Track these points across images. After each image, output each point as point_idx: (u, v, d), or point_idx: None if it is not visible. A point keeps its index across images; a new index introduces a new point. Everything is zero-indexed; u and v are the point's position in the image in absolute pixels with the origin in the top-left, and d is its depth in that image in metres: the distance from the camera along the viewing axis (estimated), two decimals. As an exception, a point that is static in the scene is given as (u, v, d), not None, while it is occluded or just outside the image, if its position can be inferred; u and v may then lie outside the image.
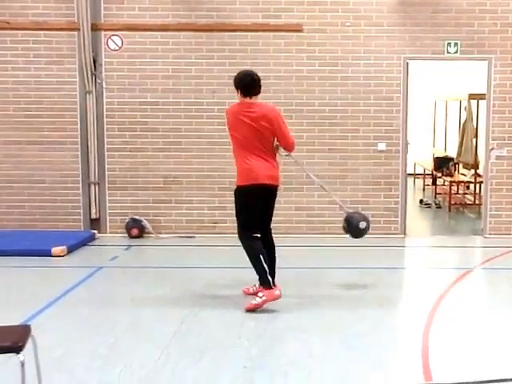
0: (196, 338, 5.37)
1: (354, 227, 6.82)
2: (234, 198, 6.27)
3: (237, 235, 6.22)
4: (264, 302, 5.98)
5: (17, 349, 3.70)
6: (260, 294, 6.02)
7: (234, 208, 6.26)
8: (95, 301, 6.51)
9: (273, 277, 6.11)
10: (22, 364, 3.70)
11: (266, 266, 6.02)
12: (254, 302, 5.99)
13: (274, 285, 6.06)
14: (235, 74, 6.31)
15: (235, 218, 6.25)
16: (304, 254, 8.56)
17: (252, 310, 5.96)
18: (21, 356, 3.70)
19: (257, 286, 6.25)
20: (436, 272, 7.94)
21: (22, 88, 9.36)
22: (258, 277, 6.12)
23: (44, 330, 5.29)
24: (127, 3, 9.26)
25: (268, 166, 6.07)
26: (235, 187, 6.22)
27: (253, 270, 6.13)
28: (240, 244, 6.20)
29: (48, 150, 9.42)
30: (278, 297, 6.03)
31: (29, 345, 3.90)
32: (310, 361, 4.88)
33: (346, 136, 9.39)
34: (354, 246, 8.82)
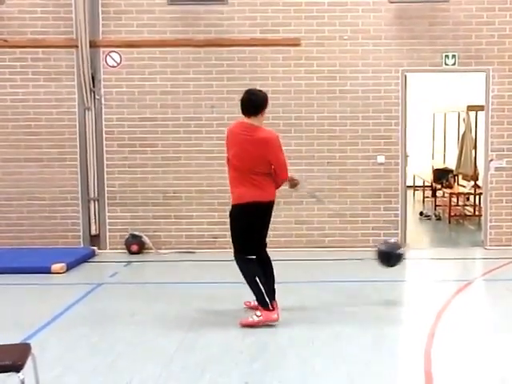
0: (197, 354, 5.34)
1: (394, 257, 6.82)
2: (230, 219, 6.15)
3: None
4: (260, 321, 5.94)
5: (17, 367, 3.68)
6: (258, 313, 5.99)
7: (230, 229, 6.17)
8: (95, 318, 6.48)
9: (272, 295, 6.09)
10: (22, 383, 3.69)
11: (262, 286, 6.00)
12: (251, 319, 5.96)
13: (273, 307, 6.02)
14: (242, 94, 6.15)
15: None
16: (304, 267, 8.53)
17: (246, 326, 5.93)
18: (20, 375, 3.69)
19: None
20: (437, 284, 7.91)
21: (20, 106, 9.38)
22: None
23: (44, 348, 5.26)
24: (125, 20, 9.30)
25: (260, 187, 5.97)
26: (231, 207, 6.13)
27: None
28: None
29: (47, 167, 9.43)
30: (275, 320, 5.99)
31: (29, 363, 3.88)
32: (311, 377, 4.84)
33: (345, 149, 9.40)
34: (354, 259, 8.83)
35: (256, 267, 6.06)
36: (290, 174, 6.18)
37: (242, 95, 6.09)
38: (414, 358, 5.32)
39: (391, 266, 6.95)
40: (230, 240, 6.19)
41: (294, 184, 6.33)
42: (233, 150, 6.02)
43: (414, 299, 7.45)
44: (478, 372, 5.08)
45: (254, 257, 6.09)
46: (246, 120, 6.01)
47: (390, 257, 6.86)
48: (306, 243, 9.45)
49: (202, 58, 9.35)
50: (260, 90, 6.18)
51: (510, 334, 5.78)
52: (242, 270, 6.10)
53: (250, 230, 6.02)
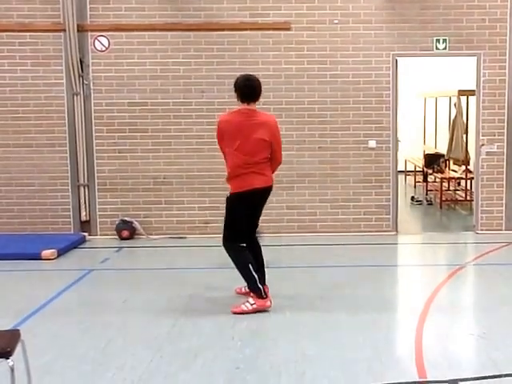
0: (188, 340, 5.32)
1: None
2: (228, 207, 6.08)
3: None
4: (254, 309, 5.92)
5: (6, 354, 3.65)
6: (251, 301, 5.96)
7: (226, 217, 6.09)
8: (86, 304, 6.45)
9: (263, 280, 6.08)
10: (12, 369, 3.66)
11: (255, 273, 5.97)
12: (244, 307, 5.93)
13: (266, 294, 6.00)
14: (235, 78, 6.13)
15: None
16: (296, 252, 8.52)
17: (239, 313, 5.90)
18: (10, 361, 3.65)
19: (250, 285, 6.20)
20: (428, 269, 7.94)
21: (8, 91, 9.27)
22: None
23: (34, 335, 5.24)
24: (113, 3, 9.19)
25: (261, 173, 5.96)
26: (230, 196, 6.06)
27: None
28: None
29: (36, 153, 9.34)
30: (268, 307, 5.97)
31: (18, 349, 3.85)
32: (304, 362, 4.84)
33: (336, 134, 9.36)
34: (345, 244, 8.84)
35: (248, 254, 6.03)
36: None
37: (237, 82, 6.03)
38: (405, 343, 5.32)
39: None
40: (223, 227, 6.12)
41: None
42: (238, 141, 5.87)
43: (405, 284, 7.46)
44: (470, 356, 5.10)
45: (245, 244, 6.06)
46: (246, 106, 5.96)
47: None
48: (298, 228, 9.43)
49: (192, 42, 9.26)
50: (253, 75, 6.17)
51: (501, 315, 5.78)
52: (233, 258, 6.07)
53: (247, 218, 6.00)
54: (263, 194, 6.02)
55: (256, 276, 5.98)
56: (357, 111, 9.32)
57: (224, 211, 6.11)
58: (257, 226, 6.22)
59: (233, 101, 9.17)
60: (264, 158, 5.94)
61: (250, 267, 5.98)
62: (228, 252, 6.08)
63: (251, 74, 6.31)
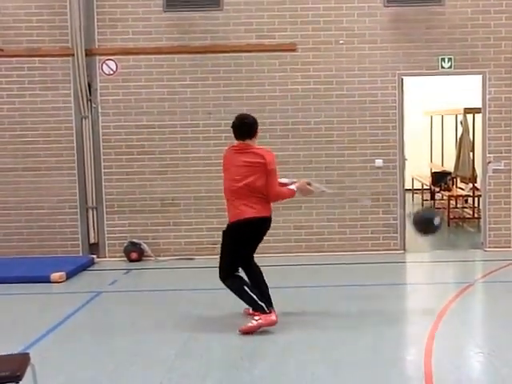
0: (197, 361, 5.32)
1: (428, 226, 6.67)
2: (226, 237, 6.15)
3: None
4: (259, 325, 5.92)
5: (16, 378, 3.66)
6: (256, 318, 5.97)
7: (221, 249, 6.19)
8: (95, 326, 6.46)
9: (268, 301, 6.10)
10: (22, 393, 3.66)
11: (252, 294, 6.01)
12: (250, 324, 5.94)
13: (269, 310, 6.01)
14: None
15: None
16: (304, 272, 8.51)
17: (246, 332, 5.90)
18: (20, 385, 3.66)
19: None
20: (437, 287, 7.91)
21: (17, 115, 9.37)
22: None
23: (44, 358, 5.23)
24: (121, 27, 9.30)
25: (257, 203, 6.01)
26: (227, 227, 6.13)
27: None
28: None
29: (45, 176, 9.41)
30: (275, 322, 5.97)
31: (28, 373, 3.86)
32: (313, 381, 4.82)
33: (343, 154, 9.39)
34: (353, 263, 8.83)
35: (240, 278, 6.11)
36: (299, 184, 6.24)
37: (232, 121, 6.18)
38: (414, 362, 5.30)
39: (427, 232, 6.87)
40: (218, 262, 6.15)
41: (306, 192, 6.40)
42: (228, 172, 6.07)
43: (414, 302, 7.43)
44: (479, 373, 5.08)
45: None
46: (242, 142, 6.10)
47: (428, 223, 6.64)
48: (306, 248, 9.43)
49: (199, 64, 9.34)
50: (249, 114, 6.34)
51: (510, 333, 5.76)
52: (230, 289, 6.13)
53: (244, 247, 6.08)
54: (259, 223, 6.03)
55: (253, 295, 6.01)
56: (363, 130, 9.35)
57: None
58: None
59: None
60: (256, 189, 5.95)
61: (246, 288, 6.04)
62: (225, 284, 6.14)
63: (247, 113, 6.48)
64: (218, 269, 6.16)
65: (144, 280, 8.68)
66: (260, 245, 6.23)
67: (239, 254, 6.10)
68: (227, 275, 6.10)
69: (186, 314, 6.64)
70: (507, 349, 5.42)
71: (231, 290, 6.12)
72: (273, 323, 5.96)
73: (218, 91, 9.33)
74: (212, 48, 9.30)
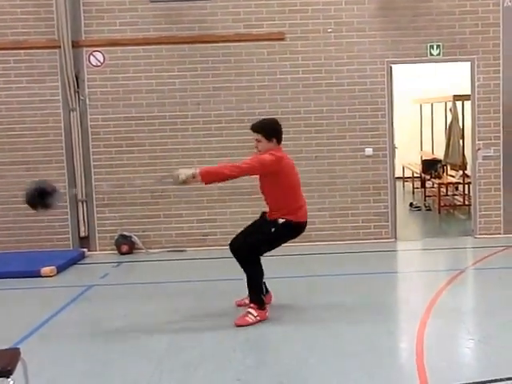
0: (189, 353, 5.31)
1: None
2: (266, 225, 6.15)
3: (237, 252, 6.08)
4: (257, 321, 5.94)
5: (6, 373, 3.63)
6: (254, 313, 5.95)
7: (257, 232, 6.14)
8: (86, 320, 6.43)
9: (266, 293, 6.22)
10: (13, 388, 3.64)
11: (262, 288, 6.11)
12: (248, 319, 5.92)
13: (265, 307, 6.07)
14: (268, 122, 6.43)
15: (243, 237, 6.16)
16: (294, 262, 8.48)
17: (244, 326, 5.88)
18: (10, 380, 3.63)
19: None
20: (428, 274, 7.94)
21: (4, 108, 9.29)
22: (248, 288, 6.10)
23: (35, 353, 5.19)
24: (107, 19, 9.22)
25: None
26: (283, 220, 6.13)
27: (243, 281, 6.11)
28: (230, 256, 6.15)
29: (33, 170, 9.33)
30: (267, 318, 6.01)
31: (19, 368, 3.83)
32: (305, 372, 4.82)
33: (333, 142, 9.37)
34: (344, 252, 8.84)
35: (262, 270, 6.09)
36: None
37: (272, 128, 6.31)
38: (406, 348, 5.31)
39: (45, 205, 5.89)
40: (248, 240, 6.07)
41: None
42: (296, 174, 6.43)
43: (406, 290, 7.45)
44: (471, 360, 5.09)
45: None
46: (280, 147, 6.42)
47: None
48: (297, 238, 9.37)
49: (187, 54, 9.29)
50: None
51: (501, 319, 5.77)
52: (251, 273, 6.05)
53: (277, 244, 6.24)
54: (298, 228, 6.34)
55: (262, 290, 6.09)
56: (353, 119, 9.34)
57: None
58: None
59: (229, 112, 9.27)
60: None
61: (261, 282, 6.11)
62: (246, 264, 6.05)
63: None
64: (234, 239, 6.17)
65: (135, 273, 8.65)
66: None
67: (267, 248, 6.13)
68: (249, 256, 6.01)
69: (178, 306, 6.62)
70: (498, 335, 5.43)
71: (251, 275, 6.05)
72: (266, 318, 6.01)
73: (207, 81, 9.28)
74: (200, 38, 9.24)
